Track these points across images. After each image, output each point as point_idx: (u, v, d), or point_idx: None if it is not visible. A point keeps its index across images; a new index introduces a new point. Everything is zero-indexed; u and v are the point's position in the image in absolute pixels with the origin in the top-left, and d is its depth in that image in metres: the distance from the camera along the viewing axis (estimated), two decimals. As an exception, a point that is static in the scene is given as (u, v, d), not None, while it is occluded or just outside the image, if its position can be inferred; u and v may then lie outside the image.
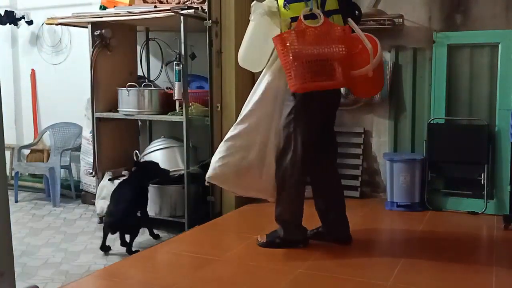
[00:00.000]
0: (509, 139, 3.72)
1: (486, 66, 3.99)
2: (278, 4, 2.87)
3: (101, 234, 4.12)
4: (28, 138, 5.89)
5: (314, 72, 2.65)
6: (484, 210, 3.85)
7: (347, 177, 4.46)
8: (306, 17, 2.72)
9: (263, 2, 2.94)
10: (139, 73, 4.91)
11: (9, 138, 5.74)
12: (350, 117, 4.52)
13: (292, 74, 2.66)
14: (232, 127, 3.05)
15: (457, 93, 4.07)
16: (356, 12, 3.07)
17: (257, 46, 3.03)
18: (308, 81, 2.65)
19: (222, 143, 3.06)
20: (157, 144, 4.29)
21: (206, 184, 3.45)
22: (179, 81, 3.95)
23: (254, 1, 3.02)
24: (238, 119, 3.04)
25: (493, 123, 3.93)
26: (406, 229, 3.63)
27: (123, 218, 3.58)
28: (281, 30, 2.83)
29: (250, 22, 2.99)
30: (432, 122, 4.05)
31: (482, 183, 3.87)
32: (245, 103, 3.06)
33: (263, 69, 3.02)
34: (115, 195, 3.74)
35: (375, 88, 3.09)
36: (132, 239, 3.61)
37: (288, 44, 2.66)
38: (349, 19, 2.86)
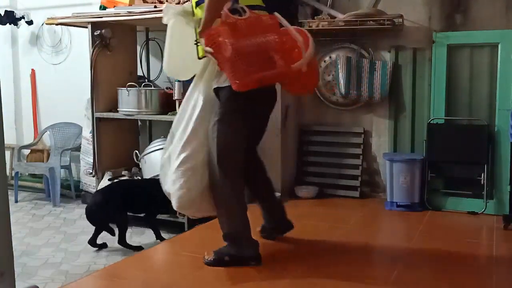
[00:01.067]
0: (509, 139, 3.72)
1: (486, 66, 3.99)
2: (192, 3, 2.74)
3: (100, 234, 4.13)
4: (28, 138, 5.89)
5: (255, 64, 2.45)
6: (484, 210, 3.85)
7: (347, 177, 4.46)
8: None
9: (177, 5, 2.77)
10: (139, 73, 4.91)
11: (9, 138, 5.74)
12: (350, 117, 4.53)
13: (231, 70, 2.44)
14: (178, 152, 2.79)
15: (457, 93, 4.07)
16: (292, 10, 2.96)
17: (177, 51, 2.83)
18: (251, 74, 2.44)
19: (174, 171, 2.80)
20: (157, 144, 4.29)
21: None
22: (179, 81, 3.95)
23: (165, 4, 2.85)
24: (182, 142, 2.79)
25: (493, 123, 3.93)
26: (406, 229, 3.63)
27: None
28: (195, 31, 2.65)
29: (167, 27, 2.81)
30: (432, 122, 4.05)
31: (482, 183, 3.87)
32: (181, 117, 2.86)
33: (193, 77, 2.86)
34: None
35: (310, 84, 2.99)
36: (120, 232, 3.69)
37: (220, 39, 2.44)
38: (275, 13, 2.66)
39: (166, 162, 2.93)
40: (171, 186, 2.84)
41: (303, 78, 2.74)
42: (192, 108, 2.82)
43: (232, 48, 2.39)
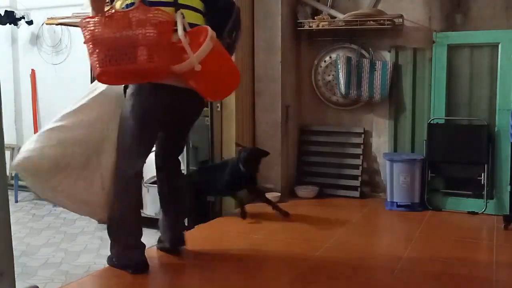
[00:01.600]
0: (509, 139, 3.72)
1: (486, 66, 3.99)
2: None
3: (100, 234, 4.13)
4: (28, 138, 5.85)
5: (114, 57, 2.32)
6: (484, 210, 3.85)
7: (347, 177, 4.46)
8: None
9: None
10: (139, 73, 4.90)
11: (9, 138, 5.74)
12: (350, 117, 4.53)
13: (93, 61, 2.38)
14: (59, 117, 2.69)
15: (457, 93, 4.07)
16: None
17: None
18: (106, 66, 2.32)
19: (41, 131, 2.65)
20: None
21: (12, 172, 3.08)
22: (179, 81, 3.94)
23: None
24: (69, 110, 2.70)
25: (493, 123, 3.93)
26: (406, 229, 3.63)
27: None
28: None
29: None
30: (432, 122, 4.05)
31: (482, 183, 3.87)
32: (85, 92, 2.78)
33: None
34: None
35: (224, 89, 2.65)
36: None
37: (89, 29, 2.38)
38: (179, 11, 2.49)
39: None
40: (26, 144, 2.64)
41: (212, 81, 2.53)
42: (92, 86, 2.81)
43: (92, 39, 2.35)
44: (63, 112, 2.74)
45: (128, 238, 2.71)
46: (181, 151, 3.06)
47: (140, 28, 2.33)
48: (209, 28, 2.43)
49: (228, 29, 2.67)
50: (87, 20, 2.40)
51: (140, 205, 2.93)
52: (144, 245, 2.75)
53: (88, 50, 2.39)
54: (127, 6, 2.51)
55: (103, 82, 2.50)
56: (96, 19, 2.39)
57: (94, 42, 2.34)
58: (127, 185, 2.64)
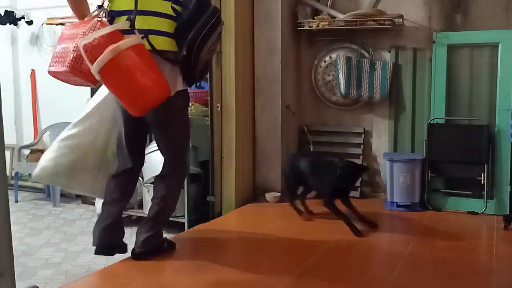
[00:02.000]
0: (509, 139, 3.72)
1: (486, 66, 3.99)
2: None
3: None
4: (28, 138, 5.89)
5: (56, 58, 2.63)
6: (484, 210, 3.85)
7: (347, 177, 4.46)
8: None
9: None
10: (139, 73, 4.90)
11: (9, 138, 5.74)
12: (350, 117, 4.53)
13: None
14: (70, 127, 3.01)
15: (457, 93, 4.07)
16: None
17: None
18: (51, 65, 2.66)
19: (55, 142, 2.99)
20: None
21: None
22: (179, 81, 3.94)
23: None
24: (77, 120, 3.00)
25: (493, 123, 3.93)
26: (406, 229, 3.63)
27: None
28: None
29: None
30: (432, 122, 4.05)
31: (482, 183, 3.87)
32: (87, 104, 3.07)
33: None
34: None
35: (141, 103, 2.52)
36: None
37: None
38: (95, 19, 2.56)
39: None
40: (45, 153, 3.00)
41: (120, 94, 2.54)
42: (99, 93, 3.03)
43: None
44: (75, 120, 3.04)
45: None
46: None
47: (80, 35, 2.49)
48: (128, 39, 2.44)
49: (189, 38, 2.63)
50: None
51: None
52: None
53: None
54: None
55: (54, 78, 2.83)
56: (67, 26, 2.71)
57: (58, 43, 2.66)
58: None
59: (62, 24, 4.71)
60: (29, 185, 5.66)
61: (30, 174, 5.72)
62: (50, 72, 2.68)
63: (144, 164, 4.20)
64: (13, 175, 5.37)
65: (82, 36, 2.47)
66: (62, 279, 3.21)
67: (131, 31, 2.54)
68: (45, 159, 2.94)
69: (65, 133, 2.99)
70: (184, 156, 3.05)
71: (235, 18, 3.99)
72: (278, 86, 4.29)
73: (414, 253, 3.03)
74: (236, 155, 4.10)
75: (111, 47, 2.38)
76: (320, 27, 4.31)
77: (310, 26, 4.37)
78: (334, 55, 4.42)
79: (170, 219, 4.06)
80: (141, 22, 2.61)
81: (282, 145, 4.35)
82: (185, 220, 3.97)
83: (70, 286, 2.77)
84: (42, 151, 5.71)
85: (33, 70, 5.81)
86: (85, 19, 2.62)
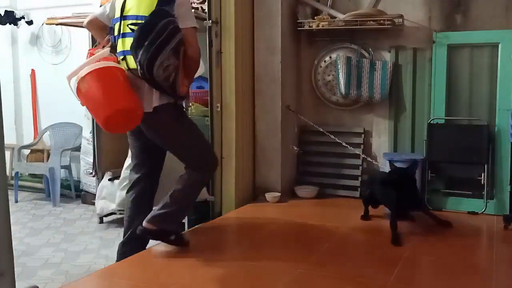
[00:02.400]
0: (509, 139, 3.72)
1: (486, 66, 3.99)
2: None
3: (101, 234, 4.14)
4: (28, 138, 5.89)
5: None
6: (484, 210, 3.85)
7: (347, 177, 4.46)
8: None
9: None
10: (139, 73, 4.90)
11: (9, 138, 5.74)
12: (350, 117, 4.53)
13: None
14: None
15: (457, 93, 4.07)
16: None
17: None
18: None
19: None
20: (157, 144, 4.28)
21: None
22: (179, 81, 3.94)
23: None
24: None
25: (493, 123, 3.93)
26: (406, 229, 3.62)
27: None
28: None
29: None
30: (432, 122, 4.05)
31: (482, 183, 3.87)
32: None
33: None
34: None
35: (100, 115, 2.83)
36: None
37: None
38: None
39: None
40: None
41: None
42: None
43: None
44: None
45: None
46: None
47: None
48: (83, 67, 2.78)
49: (138, 57, 2.71)
50: None
51: None
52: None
53: None
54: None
55: None
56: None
57: None
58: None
59: (62, 24, 4.71)
60: (29, 185, 5.67)
61: (30, 174, 5.73)
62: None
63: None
64: (13, 175, 5.37)
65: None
66: (62, 279, 3.21)
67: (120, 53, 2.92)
68: None
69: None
70: (203, 156, 3.08)
71: (235, 18, 3.99)
72: (278, 86, 4.29)
73: (414, 253, 3.03)
74: (236, 155, 4.10)
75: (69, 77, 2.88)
76: (320, 27, 4.31)
77: (310, 26, 4.37)
78: (334, 55, 4.41)
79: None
80: (121, 45, 2.89)
81: (282, 145, 4.35)
82: (185, 220, 3.97)
83: (70, 286, 2.77)
84: (42, 151, 5.72)
85: (33, 70, 5.81)
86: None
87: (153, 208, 3.04)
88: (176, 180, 3.03)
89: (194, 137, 3.03)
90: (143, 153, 3.15)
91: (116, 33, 2.92)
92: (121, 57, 2.88)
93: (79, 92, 2.79)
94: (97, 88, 2.73)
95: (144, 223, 2.96)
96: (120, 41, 2.89)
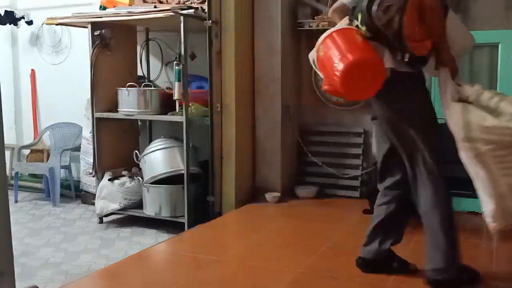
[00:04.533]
0: (509, 139, 3.71)
1: (486, 66, 3.98)
2: None
3: (101, 234, 4.14)
4: (28, 138, 5.89)
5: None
6: (484, 210, 3.84)
7: (347, 177, 4.46)
8: None
9: None
10: (139, 73, 4.91)
11: (9, 138, 5.74)
12: (350, 117, 4.53)
13: None
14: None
15: (457, 93, 4.06)
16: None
17: None
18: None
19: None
20: (157, 144, 4.29)
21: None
22: (179, 81, 3.95)
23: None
24: None
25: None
26: (406, 229, 3.62)
27: None
28: None
29: None
30: (432, 122, 4.04)
31: (482, 183, 3.86)
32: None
33: None
34: None
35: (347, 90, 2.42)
36: None
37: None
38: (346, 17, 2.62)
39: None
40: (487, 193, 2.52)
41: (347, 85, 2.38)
42: None
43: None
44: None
45: None
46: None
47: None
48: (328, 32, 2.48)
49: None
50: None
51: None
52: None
53: None
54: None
55: None
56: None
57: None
58: None
59: (62, 24, 4.71)
60: (29, 185, 5.66)
61: (30, 174, 5.73)
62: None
63: (145, 164, 4.25)
64: (13, 175, 5.37)
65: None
66: (62, 279, 3.21)
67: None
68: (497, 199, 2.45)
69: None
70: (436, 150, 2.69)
71: (235, 18, 3.99)
72: (278, 86, 4.29)
73: (414, 254, 3.02)
74: (236, 155, 4.10)
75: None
76: (320, 27, 4.30)
77: (310, 26, 4.37)
78: (334, 55, 4.41)
79: (170, 219, 4.10)
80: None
81: (281, 145, 4.35)
82: (185, 220, 3.97)
83: (70, 286, 2.77)
84: (41, 151, 5.72)
85: (33, 70, 5.80)
86: None
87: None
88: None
89: (428, 122, 2.66)
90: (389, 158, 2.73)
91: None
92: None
93: (318, 62, 2.50)
94: (335, 46, 2.41)
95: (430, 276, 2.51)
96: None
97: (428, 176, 2.67)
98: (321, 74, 2.50)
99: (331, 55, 2.40)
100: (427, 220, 2.58)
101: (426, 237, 2.56)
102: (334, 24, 2.72)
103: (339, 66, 2.33)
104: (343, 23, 2.56)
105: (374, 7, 2.33)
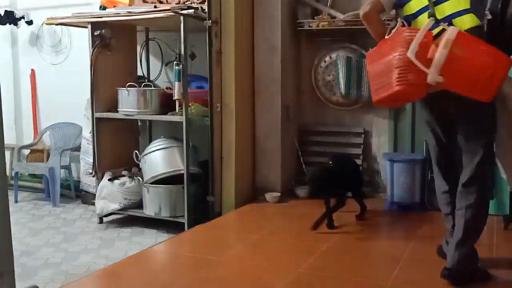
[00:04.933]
0: (509, 139, 3.71)
1: (486, 66, 3.98)
2: None
3: (100, 234, 4.13)
4: (28, 138, 5.89)
5: (380, 84, 2.45)
6: (484, 210, 3.84)
7: (347, 177, 4.46)
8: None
9: None
10: (139, 73, 4.91)
11: (9, 138, 5.74)
12: (350, 117, 4.53)
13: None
14: None
15: (457, 93, 4.06)
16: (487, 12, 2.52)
17: None
18: (376, 96, 2.50)
19: None
20: (157, 144, 4.29)
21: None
22: (179, 81, 3.95)
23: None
24: None
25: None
26: (406, 229, 3.63)
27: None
28: None
29: None
30: (432, 122, 4.04)
31: (482, 183, 3.86)
32: None
33: None
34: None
35: (487, 83, 2.31)
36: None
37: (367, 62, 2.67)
38: (430, 18, 2.44)
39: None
40: None
41: (462, 82, 2.34)
42: None
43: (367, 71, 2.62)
44: None
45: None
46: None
47: (394, 52, 2.37)
48: (449, 30, 2.31)
49: (488, 4, 2.43)
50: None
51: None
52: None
53: None
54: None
55: (379, 106, 2.93)
56: (369, 53, 2.63)
57: (369, 74, 2.57)
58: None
59: (62, 24, 4.71)
60: (29, 185, 5.66)
61: (30, 174, 5.73)
62: (377, 102, 2.52)
63: (145, 164, 4.25)
64: (13, 175, 5.37)
65: (401, 50, 2.34)
66: (62, 279, 3.21)
67: (435, 25, 2.44)
68: None
69: None
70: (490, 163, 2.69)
71: (235, 18, 3.99)
72: (278, 86, 4.29)
73: (414, 253, 3.03)
74: (236, 155, 4.10)
75: (441, 44, 2.26)
76: (320, 27, 4.31)
77: (310, 26, 4.37)
78: (334, 55, 4.41)
79: (170, 219, 4.10)
80: (439, 12, 2.47)
81: (281, 145, 4.35)
82: (185, 220, 3.97)
83: (70, 286, 2.77)
84: (41, 151, 5.72)
85: (33, 70, 5.80)
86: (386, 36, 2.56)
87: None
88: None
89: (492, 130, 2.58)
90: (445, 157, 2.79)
91: (417, 8, 2.53)
92: (445, 24, 2.41)
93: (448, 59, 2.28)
94: (474, 46, 2.32)
95: (449, 267, 2.58)
96: (437, 8, 2.46)
97: None
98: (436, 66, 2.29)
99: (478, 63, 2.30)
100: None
101: None
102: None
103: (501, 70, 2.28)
104: (432, 22, 2.44)
105: (510, 13, 2.34)
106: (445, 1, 2.48)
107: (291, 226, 3.63)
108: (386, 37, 2.55)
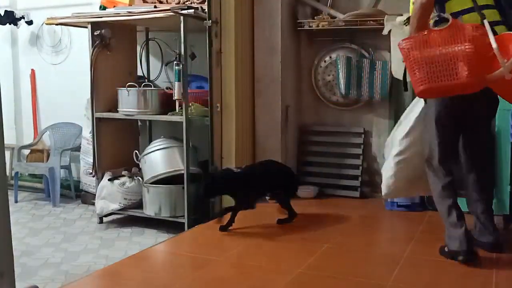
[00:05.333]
0: (509, 139, 3.71)
1: (486, 66, 3.98)
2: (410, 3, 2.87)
3: (101, 234, 4.13)
4: (28, 138, 5.89)
5: (434, 74, 2.53)
6: (484, 210, 3.84)
7: (347, 177, 4.46)
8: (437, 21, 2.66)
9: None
10: (139, 73, 4.91)
11: (9, 138, 5.74)
12: (350, 117, 4.53)
13: (411, 78, 2.63)
14: (399, 141, 3.26)
15: (457, 93, 4.06)
16: None
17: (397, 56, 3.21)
18: (427, 83, 2.55)
19: (391, 157, 3.26)
20: (157, 144, 4.29)
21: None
22: (179, 81, 3.95)
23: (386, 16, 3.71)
24: (403, 134, 3.24)
25: (492, 123, 3.92)
26: (406, 229, 3.63)
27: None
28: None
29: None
30: (432, 122, 4.04)
31: (482, 183, 3.85)
32: (410, 109, 3.33)
33: None
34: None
35: None
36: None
37: (407, 49, 2.64)
38: (484, 20, 2.63)
39: (389, 143, 3.46)
40: (384, 172, 3.34)
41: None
42: (414, 103, 3.27)
43: (410, 57, 2.60)
44: (398, 137, 3.30)
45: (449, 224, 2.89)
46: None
47: (457, 45, 2.50)
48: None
49: None
50: (404, 41, 2.64)
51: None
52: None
53: (407, 68, 2.66)
54: (436, 22, 2.68)
55: (423, 97, 2.88)
56: (411, 40, 2.62)
57: (413, 61, 2.59)
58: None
59: (62, 24, 4.71)
60: (29, 185, 5.66)
61: (30, 174, 5.73)
62: (425, 90, 2.59)
63: (145, 164, 4.25)
64: (13, 175, 5.37)
65: (468, 45, 2.50)
66: (62, 279, 3.21)
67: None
68: (387, 177, 3.30)
69: (396, 148, 3.26)
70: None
71: (235, 18, 3.99)
72: (278, 86, 4.29)
73: (414, 253, 3.03)
74: (236, 155, 4.10)
75: None
76: (320, 27, 4.31)
77: (310, 26, 4.37)
78: (334, 55, 4.41)
79: (170, 219, 4.10)
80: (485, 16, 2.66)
81: (282, 145, 4.35)
82: (185, 220, 3.97)
83: (70, 286, 2.77)
84: (41, 151, 5.72)
85: (33, 70, 5.80)
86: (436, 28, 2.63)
87: None
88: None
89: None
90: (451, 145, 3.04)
91: (460, 8, 2.72)
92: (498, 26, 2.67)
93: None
94: None
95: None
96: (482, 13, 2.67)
97: None
98: None
99: None
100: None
101: None
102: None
103: None
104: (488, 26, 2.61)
105: None
106: (486, 9, 2.69)
107: (291, 226, 3.63)
108: (435, 28, 2.62)
